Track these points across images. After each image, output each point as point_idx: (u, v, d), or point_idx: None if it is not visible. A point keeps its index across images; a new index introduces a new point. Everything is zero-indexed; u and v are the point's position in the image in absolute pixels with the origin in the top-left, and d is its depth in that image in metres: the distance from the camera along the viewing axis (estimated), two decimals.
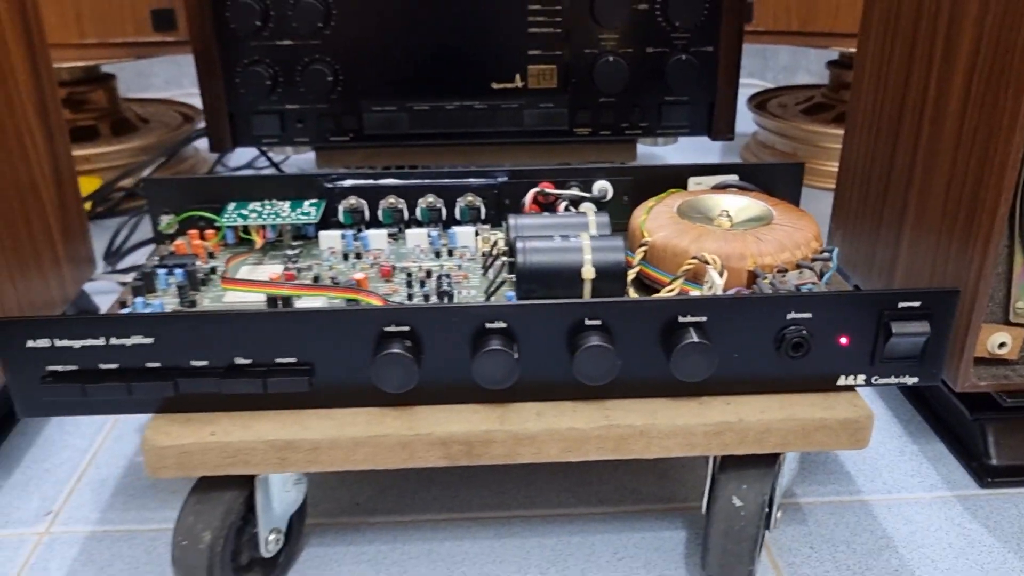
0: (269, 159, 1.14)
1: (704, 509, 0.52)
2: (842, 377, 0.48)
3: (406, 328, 0.45)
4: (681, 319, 0.46)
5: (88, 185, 1.06)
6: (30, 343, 0.44)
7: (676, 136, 0.89)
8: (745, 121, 1.25)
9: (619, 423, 0.46)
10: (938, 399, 0.67)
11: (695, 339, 0.45)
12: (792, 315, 0.46)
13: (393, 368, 0.44)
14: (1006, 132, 0.52)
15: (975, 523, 0.57)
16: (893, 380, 0.49)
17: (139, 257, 0.95)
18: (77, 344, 0.44)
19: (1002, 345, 0.58)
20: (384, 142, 0.87)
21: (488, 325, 0.45)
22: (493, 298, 0.55)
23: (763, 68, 1.68)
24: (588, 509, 0.58)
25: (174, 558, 0.47)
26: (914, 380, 0.49)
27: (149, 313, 0.48)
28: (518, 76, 0.84)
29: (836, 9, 1.05)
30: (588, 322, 0.46)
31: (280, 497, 0.50)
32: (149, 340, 0.45)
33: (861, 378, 0.48)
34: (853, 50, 1.13)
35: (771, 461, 0.49)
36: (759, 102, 1.31)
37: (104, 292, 0.87)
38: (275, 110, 0.84)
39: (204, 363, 0.45)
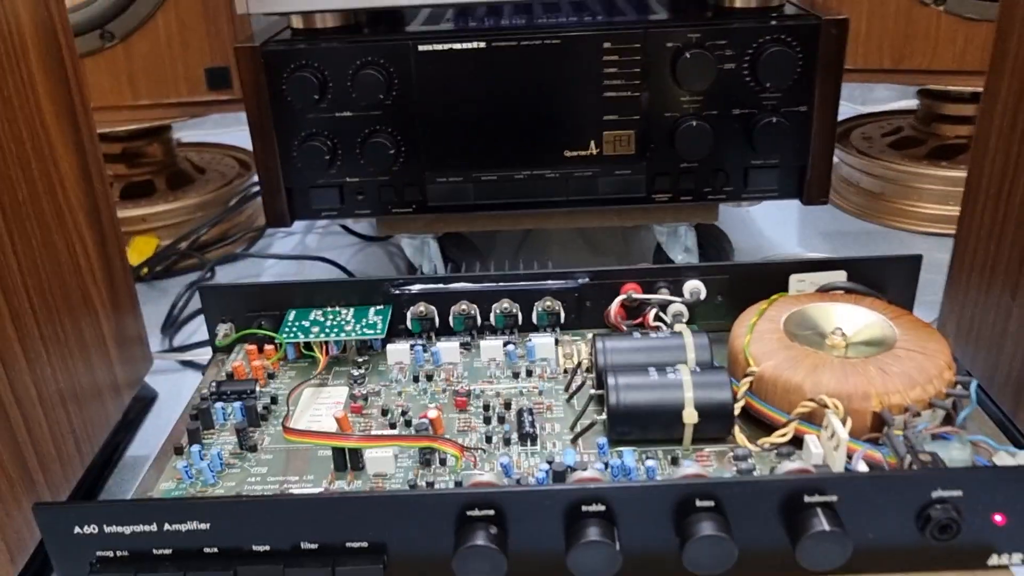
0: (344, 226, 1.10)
1: None
2: (994, 556, 0.42)
3: (491, 512, 0.40)
4: (808, 499, 0.40)
5: (144, 246, 1.03)
6: (77, 529, 0.40)
7: (764, 200, 0.82)
8: None
9: None
10: None
11: (826, 526, 0.39)
12: (940, 493, 0.40)
13: (479, 562, 0.39)
14: None
15: None
16: None
17: (196, 326, 0.92)
18: (128, 530, 0.40)
19: None
20: (449, 212, 0.82)
21: (586, 508, 0.40)
22: (580, 441, 0.49)
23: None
24: None
25: None
26: None
27: (205, 498, 0.43)
28: (592, 143, 0.78)
29: (934, 45, 0.96)
30: (700, 503, 0.40)
31: None
32: (205, 526, 0.40)
33: (1018, 557, 0.42)
34: (949, 88, 1.05)
35: None
36: (841, 131, 1.22)
37: (163, 371, 0.83)
38: (334, 183, 0.79)
39: (266, 548, 0.41)
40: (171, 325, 0.90)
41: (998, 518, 0.40)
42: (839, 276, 0.59)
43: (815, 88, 0.76)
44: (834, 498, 0.40)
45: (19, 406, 0.52)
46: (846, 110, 1.44)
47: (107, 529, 0.40)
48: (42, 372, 0.55)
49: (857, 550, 0.40)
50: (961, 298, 0.69)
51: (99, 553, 0.41)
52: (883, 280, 0.59)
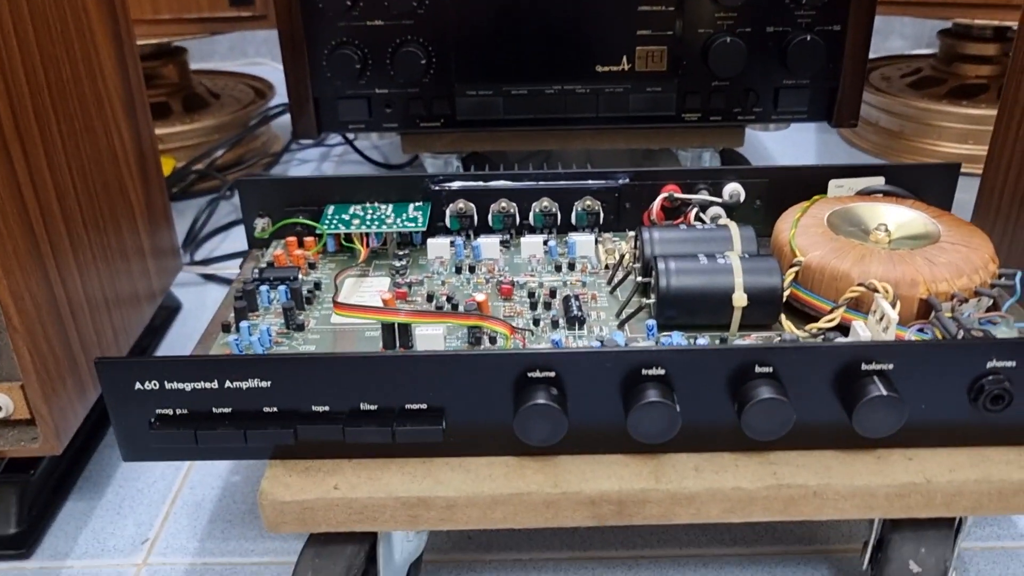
0: (356, 148, 1.10)
1: (865, 564, 0.47)
2: None
3: (551, 374, 0.40)
4: (865, 367, 0.40)
5: (163, 166, 1.02)
6: (138, 385, 0.40)
7: (791, 122, 0.82)
8: None
9: (789, 483, 0.41)
10: None
11: (882, 391, 0.39)
12: (994, 363, 0.40)
13: (539, 421, 0.39)
14: None
15: None
16: None
17: (216, 244, 0.91)
18: (188, 387, 0.40)
19: None
20: (476, 128, 0.81)
21: (646, 371, 0.40)
22: (627, 327, 0.49)
23: None
24: (721, 550, 0.53)
25: None
26: None
27: (267, 356, 0.43)
28: (624, 58, 0.77)
29: None
30: (758, 369, 0.40)
31: (402, 548, 0.45)
32: (266, 384, 0.40)
33: None
34: (976, 21, 1.04)
35: (953, 520, 0.43)
36: None
37: (184, 284, 0.83)
38: (363, 94, 0.79)
39: (325, 408, 0.41)
40: (192, 240, 0.90)
41: None
42: (878, 181, 0.59)
43: (850, 7, 0.76)
44: (890, 366, 0.40)
45: (70, 308, 0.53)
46: None
47: (168, 386, 0.40)
48: (90, 279, 0.55)
49: (913, 422, 0.41)
50: (990, 225, 0.69)
51: (159, 411, 0.41)
52: (921, 187, 0.59)
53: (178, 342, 0.76)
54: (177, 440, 0.41)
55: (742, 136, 0.86)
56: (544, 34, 0.76)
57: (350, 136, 1.07)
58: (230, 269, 0.85)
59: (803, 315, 0.50)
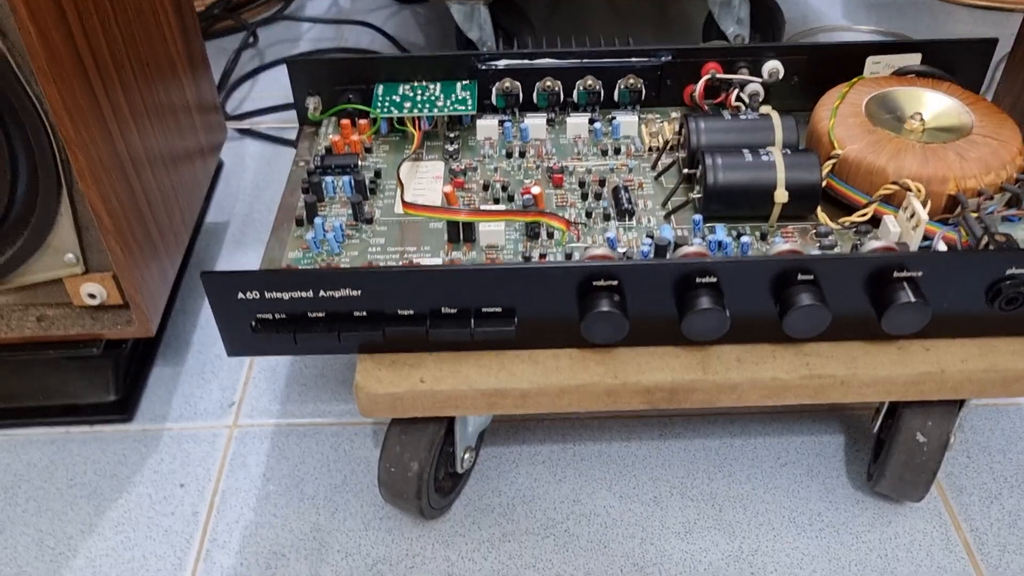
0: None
1: (875, 427, 0.53)
2: None
3: (615, 282, 0.44)
4: (897, 274, 0.44)
5: None
6: (240, 295, 0.44)
7: None
8: None
9: (820, 372, 0.46)
10: None
11: (911, 298, 0.44)
12: (1012, 270, 0.45)
13: (604, 325, 0.44)
14: None
15: None
16: None
17: (244, 92, 0.92)
18: (286, 296, 0.44)
19: None
20: None
21: (699, 280, 0.44)
22: (673, 218, 0.53)
23: None
24: (745, 409, 0.60)
25: (382, 481, 0.50)
26: None
27: (358, 268, 0.47)
28: None
29: None
30: (800, 277, 0.44)
31: (475, 421, 0.52)
32: (357, 292, 0.44)
33: None
34: None
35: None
36: None
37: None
38: None
39: (410, 312, 0.45)
40: (223, 91, 0.90)
41: None
42: (914, 59, 0.61)
43: None
44: (919, 273, 0.44)
45: (136, 173, 0.55)
46: None
47: (267, 295, 0.44)
48: (148, 138, 0.57)
49: (933, 319, 0.46)
50: (1019, 77, 0.71)
51: (259, 315, 0.45)
52: (956, 63, 0.60)
53: (226, 203, 0.79)
54: (277, 341, 0.46)
55: None
56: None
57: None
58: (266, 124, 0.87)
59: (838, 203, 0.54)
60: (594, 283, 0.44)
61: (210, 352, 0.65)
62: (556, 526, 0.53)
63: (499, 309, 0.46)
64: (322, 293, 0.44)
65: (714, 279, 0.44)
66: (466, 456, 0.52)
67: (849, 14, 1.06)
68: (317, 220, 0.52)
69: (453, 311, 0.45)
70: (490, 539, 0.52)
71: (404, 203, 0.51)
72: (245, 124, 0.87)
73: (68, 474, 0.56)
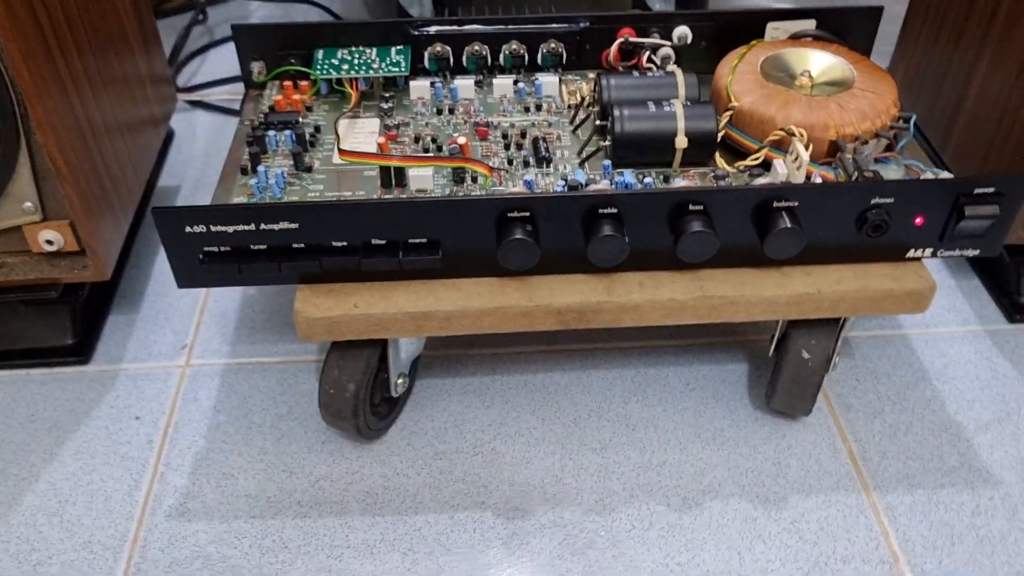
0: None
1: (771, 352, 0.60)
2: (912, 250, 0.54)
3: (527, 213, 0.50)
4: (776, 204, 0.50)
5: None
6: (188, 229, 0.49)
7: None
8: None
9: (712, 294, 0.52)
10: None
11: (788, 224, 0.50)
12: (876, 200, 0.51)
13: (518, 251, 0.49)
14: None
15: (1001, 357, 0.65)
16: (957, 253, 0.54)
17: (195, 67, 0.96)
18: (230, 229, 0.49)
19: None
20: None
21: (601, 210, 0.50)
22: (587, 165, 0.58)
23: None
24: (662, 342, 0.66)
25: (322, 403, 0.54)
26: (975, 252, 0.54)
27: (296, 202, 0.52)
28: None
29: None
30: (692, 207, 0.50)
31: (407, 348, 0.57)
32: (295, 225, 0.49)
33: (928, 251, 0.54)
34: None
35: (838, 319, 0.56)
36: None
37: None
38: None
39: (344, 243, 0.50)
40: (174, 66, 0.94)
41: (919, 220, 0.52)
42: (809, 24, 0.67)
43: None
44: (795, 203, 0.50)
45: (93, 134, 0.59)
46: None
47: (213, 228, 0.49)
48: (103, 104, 0.61)
49: (810, 246, 0.52)
50: (912, 45, 0.77)
51: (206, 248, 0.50)
52: (847, 28, 0.67)
53: (177, 169, 0.83)
54: (222, 272, 0.50)
55: None
56: None
57: None
58: (215, 96, 0.91)
59: (736, 152, 0.60)
60: (508, 215, 0.50)
61: (163, 300, 0.69)
62: (484, 445, 0.58)
63: (424, 240, 0.51)
64: (263, 226, 0.49)
65: (615, 210, 0.50)
66: (400, 381, 0.57)
67: None
68: (260, 168, 0.56)
69: (383, 243, 0.50)
70: (423, 457, 0.58)
71: (341, 151, 0.56)
72: (195, 96, 0.91)
73: (29, 411, 0.60)
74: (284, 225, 0.49)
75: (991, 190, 0.51)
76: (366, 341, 0.53)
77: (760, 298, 0.52)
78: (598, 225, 0.50)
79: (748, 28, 0.66)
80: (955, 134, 0.70)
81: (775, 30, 0.67)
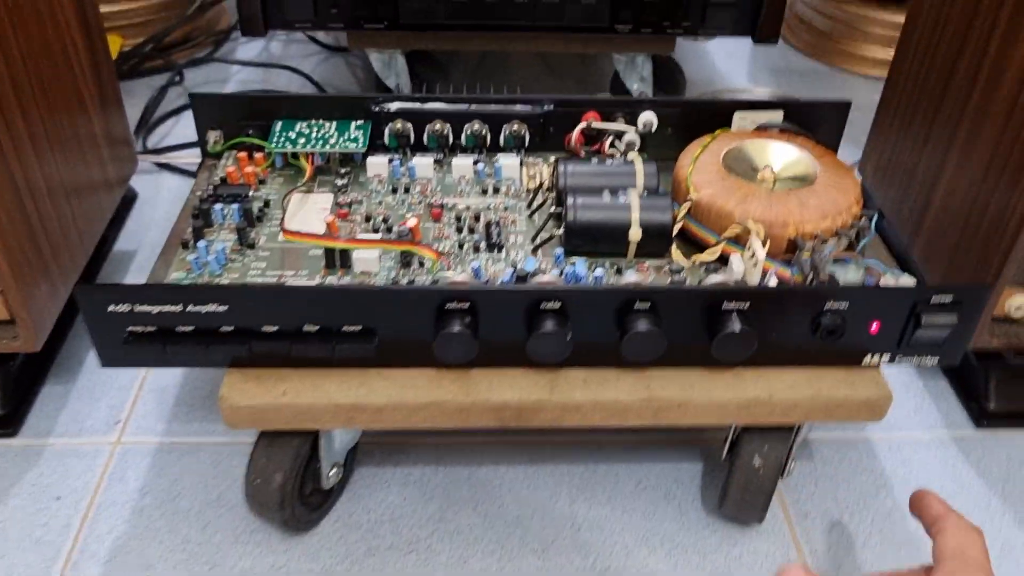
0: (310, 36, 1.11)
1: (724, 456, 0.57)
2: (868, 356, 0.52)
3: (466, 305, 0.48)
4: (726, 305, 0.48)
5: (110, 45, 1.03)
6: (112, 308, 0.47)
7: (717, 36, 0.87)
8: None
9: (659, 396, 0.50)
10: None
11: (737, 327, 0.48)
12: (831, 305, 0.49)
13: (454, 345, 0.47)
14: None
15: (967, 465, 0.62)
16: (915, 360, 0.52)
17: (168, 128, 0.95)
18: (155, 310, 0.47)
19: (1019, 308, 0.61)
20: (420, 30, 0.85)
21: (544, 305, 0.48)
22: (540, 252, 0.57)
23: None
24: (614, 437, 0.63)
25: (248, 494, 0.52)
26: (935, 361, 0.52)
27: (224, 285, 0.50)
28: None
29: None
30: (638, 305, 0.48)
31: (341, 438, 0.54)
32: (224, 308, 0.47)
33: (886, 357, 0.52)
34: None
35: (792, 425, 0.53)
36: None
37: (139, 172, 0.87)
38: None
39: (275, 328, 0.48)
40: (145, 127, 0.93)
41: (875, 326, 0.50)
42: (777, 116, 0.66)
43: None
44: (746, 305, 0.49)
45: (32, 197, 0.57)
46: None
47: (138, 308, 0.47)
48: (48, 166, 0.60)
49: (763, 348, 0.50)
50: (883, 138, 0.77)
51: (130, 328, 0.48)
52: (815, 121, 0.66)
53: (137, 232, 0.81)
54: (147, 353, 0.48)
55: (673, 44, 0.91)
56: None
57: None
58: (184, 159, 0.90)
59: (695, 244, 0.58)
60: (446, 306, 0.48)
61: (102, 372, 0.66)
62: (420, 542, 0.55)
63: (359, 328, 0.49)
64: (190, 308, 0.47)
65: (558, 304, 0.48)
66: (332, 472, 0.55)
67: (753, 77, 1.13)
68: (201, 243, 0.55)
69: (315, 329, 0.48)
70: (354, 553, 0.55)
71: (284, 230, 0.54)
72: (163, 159, 0.90)
73: None
74: (212, 307, 0.47)
75: (948, 299, 0.49)
76: (297, 431, 0.51)
77: (709, 402, 0.50)
78: (540, 320, 0.48)
79: (716, 117, 0.65)
80: (924, 231, 0.68)
81: (742, 120, 0.66)
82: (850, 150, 0.93)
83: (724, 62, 1.16)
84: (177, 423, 0.63)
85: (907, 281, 0.53)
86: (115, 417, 0.63)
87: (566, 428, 0.50)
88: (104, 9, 1.04)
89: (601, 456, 0.62)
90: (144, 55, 1.04)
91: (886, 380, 0.52)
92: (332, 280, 0.54)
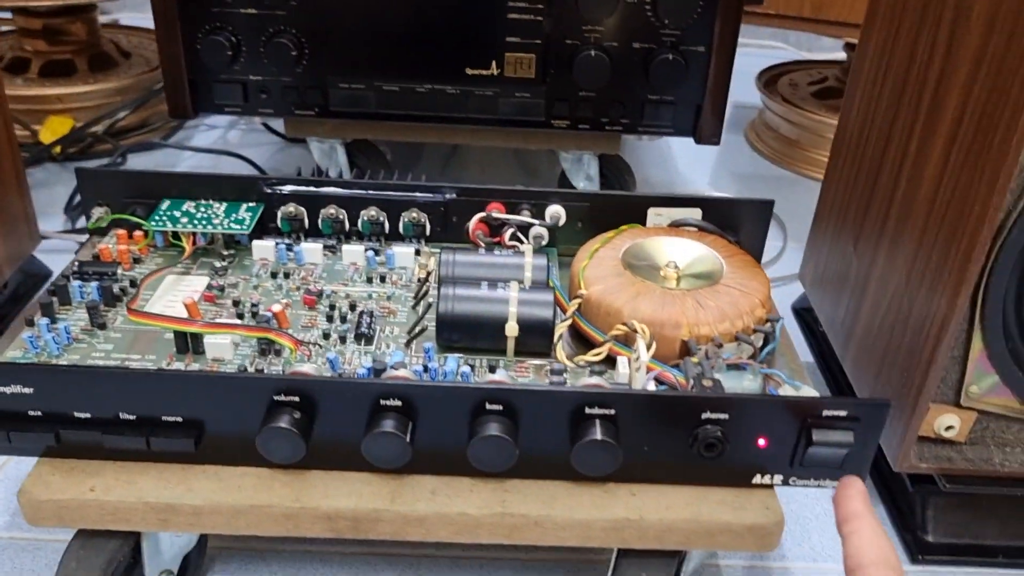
0: (267, 127, 1.10)
1: None
2: (758, 476, 0.46)
3: (296, 398, 0.43)
4: (588, 410, 0.43)
5: (59, 126, 1.03)
6: None
7: (659, 135, 0.84)
8: (753, 95, 1.19)
9: (513, 511, 0.44)
10: (883, 461, 0.65)
11: (598, 436, 0.43)
12: (708, 415, 0.44)
13: (279, 442, 0.42)
14: (976, 217, 0.48)
15: None
16: (812, 483, 0.46)
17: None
18: None
19: (949, 428, 0.55)
20: (351, 118, 0.83)
21: (384, 402, 0.43)
22: (414, 344, 0.52)
23: (784, 31, 1.59)
24: (502, 553, 0.57)
25: None
26: (834, 485, 0.46)
27: (29, 364, 0.46)
28: (494, 63, 0.79)
29: None
30: (490, 407, 0.43)
31: (170, 542, 0.49)
32: (29, 390, 0.43)
33: (779, 478, 0.46)
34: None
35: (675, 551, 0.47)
36: (770, 77, 1.24)
37: (60, 251, 0.85)
38: (238, 80, 0.80)
39: (87, 415, 0.44)
40: (74, 207, 0.91)
41: (762, 442, 0.45)
42: (695, 213, 0.62)
43: (715, 29, 0.78)
44: (612, 411, 0.43)
45: None
46: (786, 54, 1.46)
47: None
48: None
49: (632, 461, 0.44)
50: (819, 245, 0.73)
51: None
52: (737, 221, 0.62)
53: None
54: None
55: (618, 142, 0.88)
56: (416, 33, 0.78)
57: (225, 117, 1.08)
58: None
59: (587, 342, 0.53)
60: (276, 398, 0.43)
61: None
62: None
63: (180, 419, 0.44)
64: None
65: (399, 402, 0.43)
66: None
67: (716, 182, 1.10)
68: (43, 321, 0.51)
69: (132, 417, 0.44)
70: None
71: (130, 310, 0.51)
72: (84, 238, 0.87)
73: None
74: (15, 388, 0.43)
75: (842, 414, 0.44)
76: (114, 532, 0.46)
77: (571, 520, 0.44)
78: (379, 418, 0.43)
79: (629, 212, 0.62)
80: (854, 343, 0.63)
81: (657, 216, 0.62)
82: (790, 255, 0.89)
83: (687, 165, 1.13)
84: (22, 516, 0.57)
85: (808, 393, 0.48)
86: None
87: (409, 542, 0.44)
88: (58, 91, 1.04)
89: (483, 573, 0.55)
90: (95, 138, 1.03)
91: (779, 504, 0.46)
92: (179, 366, 0.49)
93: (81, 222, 0.91)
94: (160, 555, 0.48)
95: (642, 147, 1.15)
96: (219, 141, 1.12)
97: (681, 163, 1.14)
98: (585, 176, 0.92)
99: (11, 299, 0.76)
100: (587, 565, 0.57)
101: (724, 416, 0.44)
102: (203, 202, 0.61)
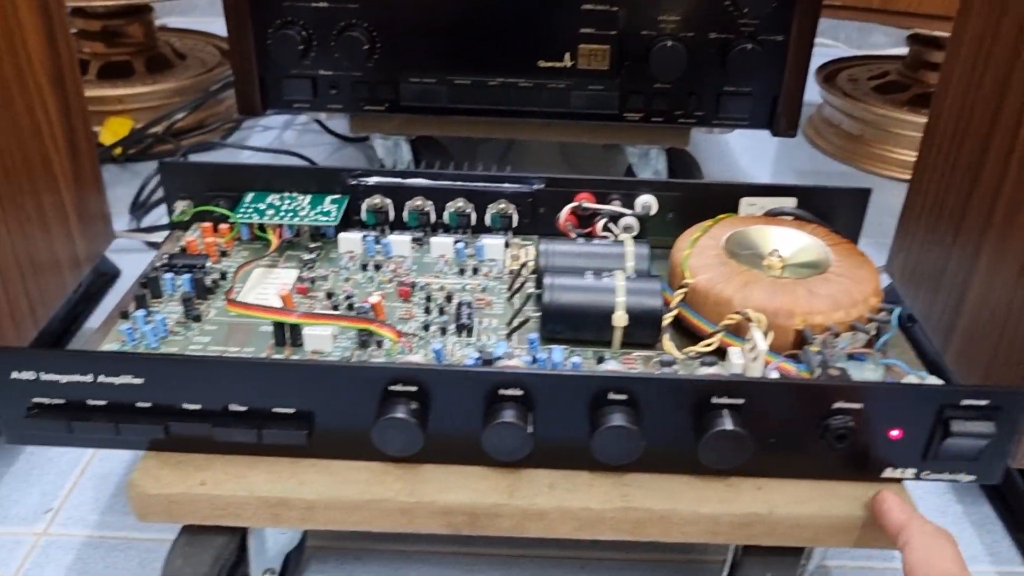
0: (323, 125, 1.10)
1: None
2: (888, 469, 0.44)
3: (413, 388, 0.41)
4: (715, 400, 0.42)
5: (119, 127, 1.02)
6: (15, 374, 0.41)
7: (733, 128, 0.82)
8: (812, 90, 1.17)
9: (637, 506, 0.42)
10: None
11: (727, 427, 0.41)
12: (840, 404, 0.42)
13: (396, 433, 0.41)
14: None
15: None
16: (946, 477, 0.44)
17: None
18: (63, 379, 0.42)
19: None
20: (421, 113, 0.82)
21: (502, 392, 0.41)
22: (515, 336, 0.51)
23: (835, 27, 1.57)
24: (599, 553, 0.55)
25: None
26: (971, 479, 0.44)
27: (140, 353, 0.45)
28: (567, 55, 0.78)
29: None
30: (612, 396, 0.42)
31: (274, 540, 0.47)
32: (139, 380, 0.42)
33: (910, 472, 0.44)
34: (937, 34, 1.04)
35: (801, 547, 0.45)
36: (828, 72, 1.22)
37: (127, 251, 0.84)
38: (308, 75, 0.79)
39: (197, 407, 0.42)
40: (139, 206, 0.91)
41: (895, 433, 0.43)
42: (789, 202, 0.60)
43: (793, 19, 0.76)
44: (740, 401, 0.42)
45: None
46: (837, 51, 1.43)
47: (43, 376, 0.41)
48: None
49: (759, 455, 0.42)
50: (909, 239, 0.70)
51: (35, 399, 0.42)
52: (832, 210, 0.60)
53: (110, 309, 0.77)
54: (52, 428, 0.42)
55: (687, 136, 0.86)
56: (488, 26, 0.77)
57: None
58: None
59: (691, 334, 0.52)
60: (390, 388, 0.41)
61: (43, 454, 0.61)
62: None
63: (292, 410, 0.42)
64: (101, 379, 0.42)
65: (519, 391, 0.41)
66: None
67: (777, 176, 1.08)
68: (139, 313, 0.50)
69: (243, 409, 0.42)
70: None
71: (229, 301, 0.49)
72: (151, 237, 0.87)
73: None
74: (126, 379, 0.42)
75: (984, 403, 0.42)
76: (221, 528, 0.44)
77: (696, 515, 0.42)
78: (498, 409, 0.41)
79: (720, 202, 0.60)
80: (956, 337, 0.61)
81: (750, 206, 0.61)
82: (877, 252, 0.86)
83: (748, 161, 1.11)
84: (112, 515, 0.56)
85: (935, 383, 0.46)
86: (46, 504, 0.57)
87: (529, 538, 0.43)
88: (117, 92, 1.04)
89: (584, 575, 0.54)
90: (155, 138, 1.03)
91: (911, 499, 0.44)
92: (278, 358, 0.48)
93: (146, 221, 0.90)
94: (265, 552, 0.47)
95: (704, 143, 1.13)
96: (275, 141, 1.11)
97: (742, 159, 1.12)
98: (653, 171, 0.90)
99: (84, 297, 0.75)
100: (689, 566, 0.55)
101: (857, 406, 0.42)
102: (287, 194, 0.60)
